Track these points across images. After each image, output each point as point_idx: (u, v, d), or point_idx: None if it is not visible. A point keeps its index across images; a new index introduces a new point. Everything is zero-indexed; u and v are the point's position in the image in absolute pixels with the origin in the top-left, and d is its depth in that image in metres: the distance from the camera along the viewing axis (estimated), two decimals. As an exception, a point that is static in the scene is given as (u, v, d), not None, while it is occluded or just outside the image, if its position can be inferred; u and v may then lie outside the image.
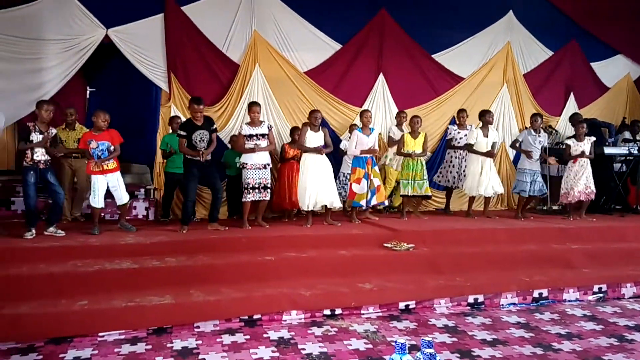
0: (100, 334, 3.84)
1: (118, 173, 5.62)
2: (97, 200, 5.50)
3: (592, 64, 9.37)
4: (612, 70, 9.59)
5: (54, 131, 5.44)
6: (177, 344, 3.74)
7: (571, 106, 9.16)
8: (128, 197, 5.77)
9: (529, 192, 7.27)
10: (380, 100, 8.05)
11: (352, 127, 7.37)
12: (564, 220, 6.99)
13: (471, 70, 8.58)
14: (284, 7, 7.47)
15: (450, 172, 7.68)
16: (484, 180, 7.03)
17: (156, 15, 6.89)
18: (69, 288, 4.16)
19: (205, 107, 6.54)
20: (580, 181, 7.03)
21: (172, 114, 6.88)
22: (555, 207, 8.10)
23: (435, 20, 8.20)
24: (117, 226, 5.74)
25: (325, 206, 6.34)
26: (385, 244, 5.48)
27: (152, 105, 7.22)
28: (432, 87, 8.39)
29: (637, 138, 8.59)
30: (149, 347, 3.69)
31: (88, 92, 8.25)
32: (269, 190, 6.12)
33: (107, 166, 5.49)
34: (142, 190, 7.00)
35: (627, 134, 8.80)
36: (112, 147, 5.51)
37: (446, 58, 8.42)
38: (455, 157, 7.64)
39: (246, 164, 6.04)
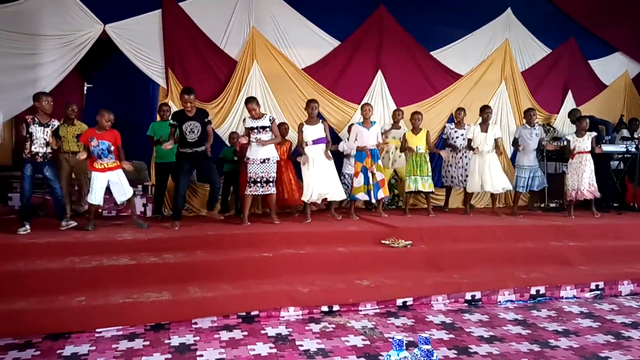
0: (97, 330, 3.84)
1: (119, 170, 5.54)
2: (93, 196, 5.44)
3: (590, 61, 9.39)
4: (609, 68, 9.60)
5: (56, 123, 5.43)
6: (175, 340, 3.74)
7: (569, 104, 9.17)
8: (132, 192, 5.70)
9: (528, 187, 7.29)
10: (379, 97, 8.05)
11: (350, 128, 7.41)
12: (562, 218, 6.99)
13: (469, 68, 8.59)
14: (282, 4, 7.46)
15: (449, 171, 7.55)
16: (487, 177, 6.88)
17: (154, 11, 6.88)
18: (67, 284, 4.14)
19: (202, 103, 6.50)
20: (584, 179, 6.98)
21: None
22: (552, 205, 8.10)
23: (433, 17, 8.19)
24: (114, 223, 5.72)
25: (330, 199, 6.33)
26: (382, 241, 5.48)
27: (149, 101, 7.21)
28: (431, 84, 8.39)
29: (635, 136, 8.62)
30: (147, 343, 3.68)
31: (85, 88, 8.22)
32: (271, 184, 5.93)
33: (108, 165, 5.46)
34: (140, 187, 6.98)
35: (625, 132, 8.82)
36: (112, 147, 5.45)
37: (444, 55, 8.43)
38: (452, 157, 7.48)
39: (249, 158, 5.94)
